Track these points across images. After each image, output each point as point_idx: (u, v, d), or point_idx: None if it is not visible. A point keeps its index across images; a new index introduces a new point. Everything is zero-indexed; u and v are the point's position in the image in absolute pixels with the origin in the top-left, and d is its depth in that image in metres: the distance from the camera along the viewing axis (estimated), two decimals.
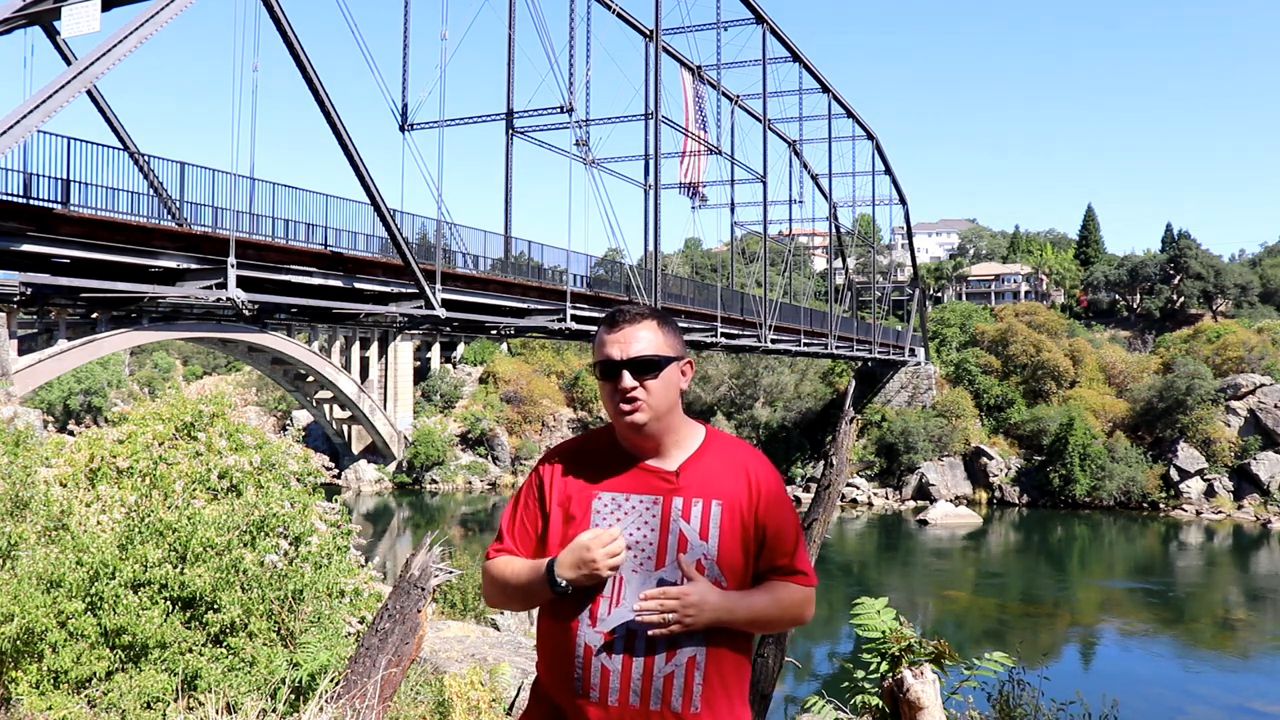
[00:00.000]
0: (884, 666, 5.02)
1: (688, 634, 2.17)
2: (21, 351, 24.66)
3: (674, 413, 2.30)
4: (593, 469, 2.30)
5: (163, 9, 14.55)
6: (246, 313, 21.27)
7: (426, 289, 20.61)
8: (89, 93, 16.04)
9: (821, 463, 43.70)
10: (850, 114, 45.96)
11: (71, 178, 16.22)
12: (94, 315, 26.10)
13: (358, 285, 21.20)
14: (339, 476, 51.30)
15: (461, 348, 61.65)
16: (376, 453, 52.29)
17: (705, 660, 2.19)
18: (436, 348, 59.52)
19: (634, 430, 2.26)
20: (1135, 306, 75.87)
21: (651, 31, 29.80)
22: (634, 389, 2.23)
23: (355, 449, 52.80)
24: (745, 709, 2.29)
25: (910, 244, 58.44)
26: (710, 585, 2.15)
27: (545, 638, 2.30)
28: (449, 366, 60.67)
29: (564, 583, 2.18)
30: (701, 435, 2.34)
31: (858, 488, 50.57)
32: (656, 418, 2.26)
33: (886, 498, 50.60)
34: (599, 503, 2.26)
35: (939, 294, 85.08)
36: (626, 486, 2.27)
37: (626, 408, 2.24)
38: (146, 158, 17.80)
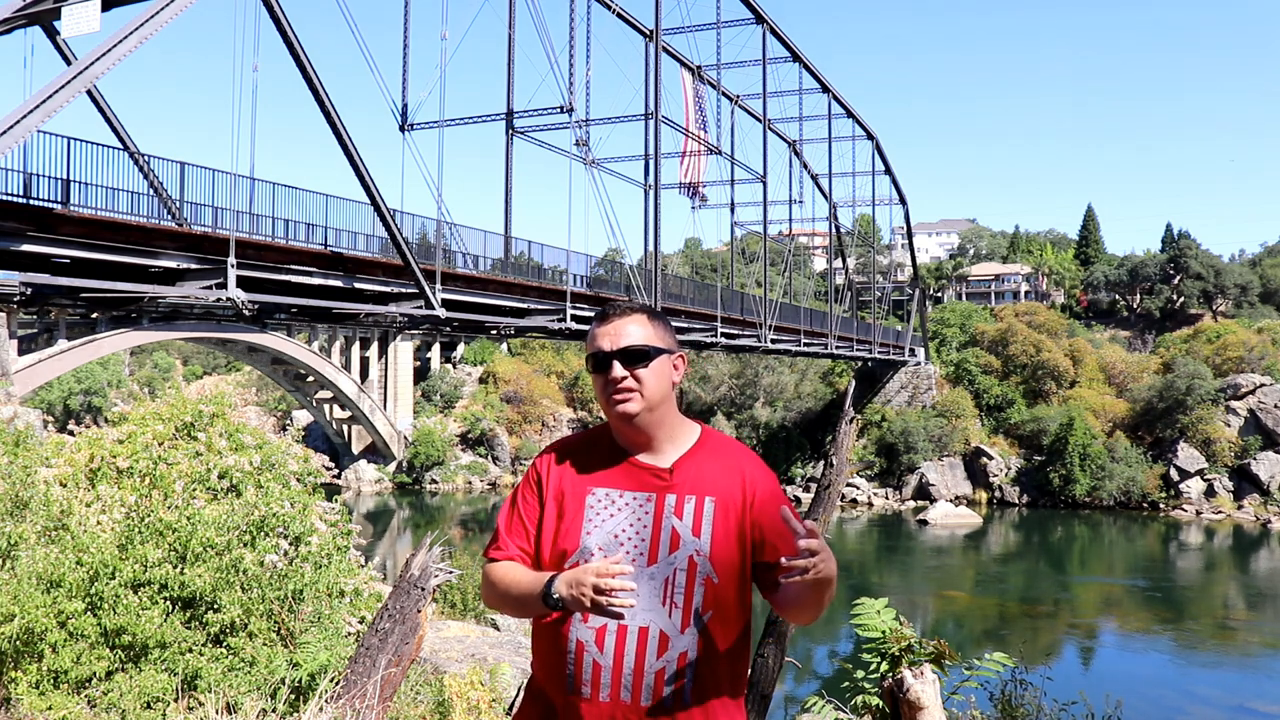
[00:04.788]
0: (884, 666, 5.01)
1: (680, 631, 2.18)
2: (21, 351, 24.65)
3: (667, 406, 2.30)
4: (588, 465, 2.31)
5: (163, 9, 14.55)
6: (246, 313, 21.29)
7: (426, 289, 20.61)
8: (89, 93, 16.05)
9: (821, 463, 43.71)
10: (850, 114, 45.96)
11: (71, 178, 16.23)
12: (94, 315, 26.09)
13: (358, 285, 21.20)
14: (339, 476, 51.30)
15: (461, 348, 61.64)
16: (376, 453, 52.29)
17: (697, 657, 2.19)
18: (436, 348, 59.52)
19: (625, 420, 2.26)
20: (1135, 306, 75.89)
21: (651, 31, 29.80)
22: (624, 378, 2.24)
23: (355, 449, 52.79)
24: (739, 708, 2.28)
25: (910, 244, 58.44)
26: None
27: (538, 634, 2.31)
28: (449, 366, 60.66)
29: (556, 597, 2.14)
30: (697, 433, 2.34)
31: (858, 488, 50.57)
32: (649, 408, 2.25)
33: (886, 498, 50.59)
34: (592, 498, 2.26)
35: (939, 294, 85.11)
36: (620, 483, 2.27)
37: (617, 397, 2.24)
38: (146, 158, 17.80)
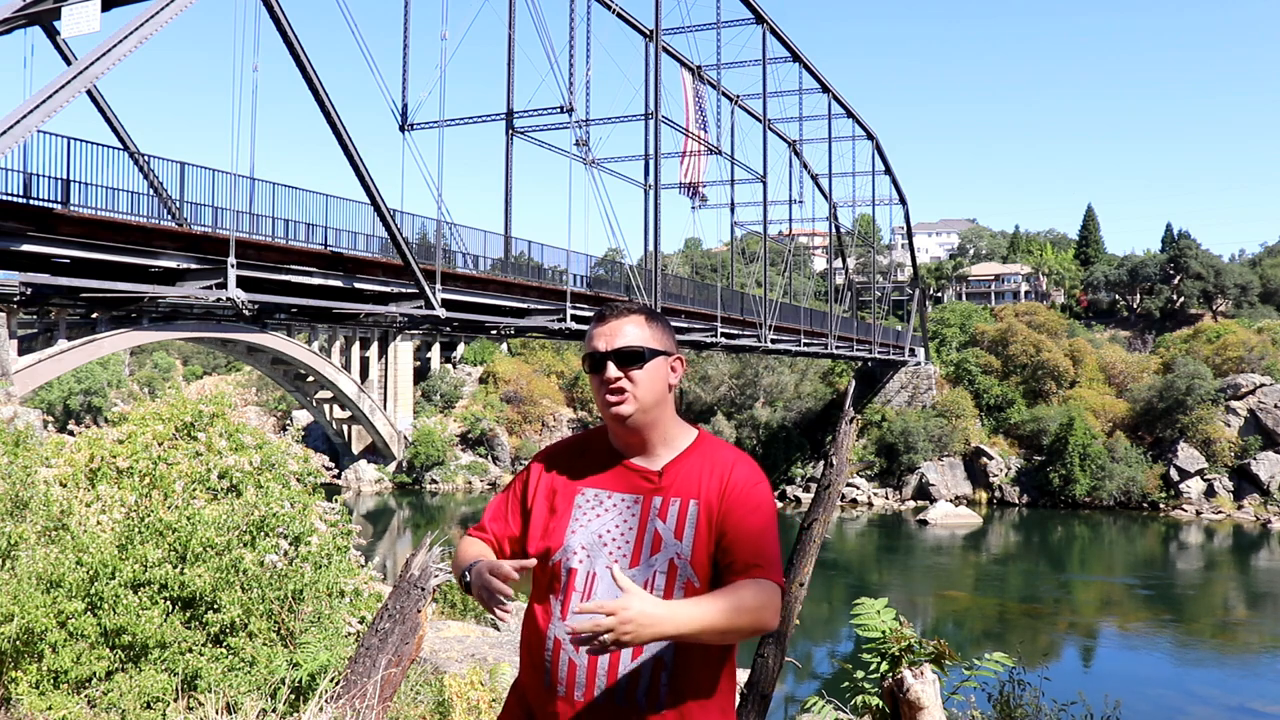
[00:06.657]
0: (884, 666, 5.02)
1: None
2: (21, 351, 24.67)
3: (662, 409, 2.28)
4: (581, 466, 2.32)
5: (163, 9, 14.55)
6: (246, 313, 21.30)
7: (426, 289, 20.61)
8: (89, 93, 16.04)
9: (821, 463, 43.68)
10: (850, 114, 45.96)
11: (71, 178, 16.22)
12: (94, 315, 26.10)
13: (358, 285, 21.21)
14: (339, 476, 51.30)
15: (461, 348, 61.65)
16: (376, 453, 52.29)
17: (674, 658, 2.17)
18: (436, 348, 59.52)
19: (619, 422, 2.25)
20: (1135, 306, 75.88)
21: (651, 31, 29.81)
22: (618, 379, 2.23)
23: (355, 449, 52.79)
24: (718, 710, 2.24)
25: (910, 244, 58.45)
26: (651, 597, 1.98)
27: (523, 632, 2.33)
28: (449, 366, 60.67)
29: (467, 581, 2.21)
30: (692, 437, 2.33)
31: (858, 488, 50.57)
32: (643, 410, 2.24)
33: (886, 498, 50.60)
34: (581, 498, 2.27)
35: (939, 294, 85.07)
36: (610, 484, 2.28)
37: (612, 399, 2.24)
38: (146, 158, 17.80)
